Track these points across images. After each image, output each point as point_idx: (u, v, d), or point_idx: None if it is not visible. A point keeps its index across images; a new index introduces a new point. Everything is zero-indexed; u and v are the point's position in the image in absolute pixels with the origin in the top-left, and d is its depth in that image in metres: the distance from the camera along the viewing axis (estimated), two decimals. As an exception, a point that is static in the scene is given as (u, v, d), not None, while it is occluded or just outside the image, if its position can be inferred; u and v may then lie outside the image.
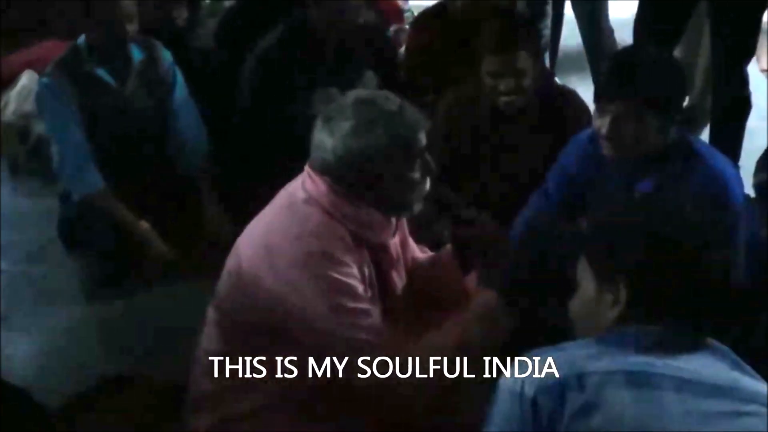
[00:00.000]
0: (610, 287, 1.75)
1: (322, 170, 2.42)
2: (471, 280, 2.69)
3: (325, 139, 2.39)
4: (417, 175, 2.44)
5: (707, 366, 1.70)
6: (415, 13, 5.25)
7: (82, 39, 3.73)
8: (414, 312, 2.67)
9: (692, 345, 1.73)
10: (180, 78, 3.93)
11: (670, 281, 1.72)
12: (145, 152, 3.86)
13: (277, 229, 2.43)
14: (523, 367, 1.70)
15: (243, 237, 2.52)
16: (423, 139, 2.44)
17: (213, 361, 2.52)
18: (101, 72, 3.72)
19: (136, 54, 3.80)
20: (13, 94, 4.78)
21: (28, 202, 4.46)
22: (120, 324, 3.57)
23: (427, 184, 2.49)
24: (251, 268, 2.43)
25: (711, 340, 1.75)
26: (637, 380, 1.64)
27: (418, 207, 2.51)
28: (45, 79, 3.73)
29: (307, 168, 2.47)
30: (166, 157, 3.94)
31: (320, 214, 2.40)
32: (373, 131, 2.36)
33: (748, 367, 1.74)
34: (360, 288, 2.39)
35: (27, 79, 4.81)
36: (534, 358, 1.70)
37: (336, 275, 2.34)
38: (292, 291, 2.35)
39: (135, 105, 3.80)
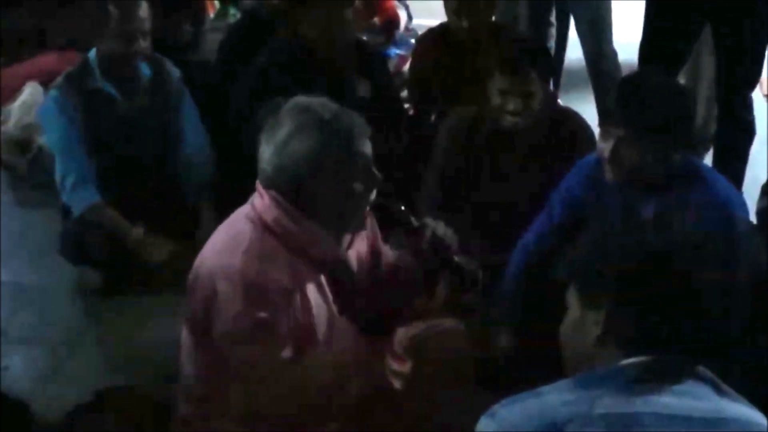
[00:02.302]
0: (593, 309, 1.72)
1: (266, 183, 2.39)
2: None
3: (264, 150, 2.37)
4: (358, 186, 2.38)
5: (692, 397, 1.64)
6: (419, 32, 5.24)
7: (92, 53, 3.73)
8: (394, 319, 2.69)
9: (675, 374, 1.67)
10: (188, 96, 3.93)
11: (652, 306, 1.67)
12: (150, 169, 3.85)
13: (215, 243, 2.45)
14: (497, 418, 1.65)
15: (199, 254, 2.51)
16: (363, 147, 2.38)
17: (187, 383, 2.53)
18: (109, 88, 3.72)
19: (145, 71, 3.80)
20: (16, 105, 4.78)
21: (28, 214, 4.44)
22: (119, 336, 3.55)
23: (371, 197, 2.44)
24: (195, 282, 2.44)
25: (692, 366, 1.70)
26: (618, 424, 1.58)
27: (358, 222, 2.47)
28: (53, 92, 3.73)
29: (257, 183, 2.43)
30: (170, 175, 3.93)
31: (257, 231, 2.37)
32: (305, 138, 2.31)
33: (731, 391, 1.70)
34: (268, 318, 2.32)
35: (29, 91, 4.80)
36: (509, 407, 1.65)
37: (252, 296, 2.30)
38: (215, 303, 2.35)
39: (142, 121, 3.80)
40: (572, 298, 1.78)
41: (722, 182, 2.90)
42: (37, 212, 4.36)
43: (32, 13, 5.32)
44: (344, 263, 2.51)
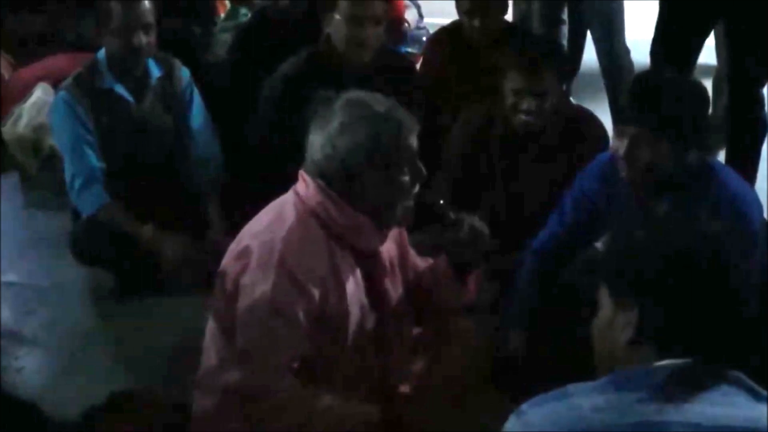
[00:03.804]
0: (625, 310, 1.68)
1: (312, 171, 2.42)
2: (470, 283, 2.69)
3: (315, 139, 2.41)
4: (405, 179, 2.42)
5: (728, 405, 1.58)
6: (431, 31, 5.23)
7: (101, 53, 3.72)
8: (413, 320, 2.69)
9: (710, 379, 1.60)
10: (198, 97, 3.92)
11: (683, 303, 1.63)
12: (159, 169, 3.84)
13: (256, 228, 2.46)
14: (522, 419, 1.61)
15: (235, 240, 2.53)
16: (412, 141, 2.42)
17: (211, 374, 2.52)
18: (119, 88, 3.72)
19: (155, 71, 3.80)
20: (27, 106, 4.78)
21: (39, 215, 4.44)
22: (131, 338, 3.54)
23: (415, 190, 2.46)
24: (230, 267, 2.45)
25: (728, 370, 1.63)
26: None
27: (404, 213, 2.48)
28: (62, 93, 3.72)
29: (301, 171, 2.47)
30: (179, 175, 3.93)
31: (300, 215, 2.40)
32: (358, 130, 2.36)
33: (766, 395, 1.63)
34: (297, 302, 2.34)
35: (40, 93, 4.80)
36: (537, 409, 1.62)
37: (285, 278, 2.32)
38: (245, 276, 2.37)
39: (151, 122, 3.79)
40: (603, 297, 1.74)
41: (736, 179, 2.89)
42: (49, 214, 4.36)
43: (44, 14, 5.34)
44: (378, 257, 2.55)
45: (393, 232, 2.59)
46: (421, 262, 2.79)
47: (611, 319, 1.71)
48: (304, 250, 2.37)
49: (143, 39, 3.64)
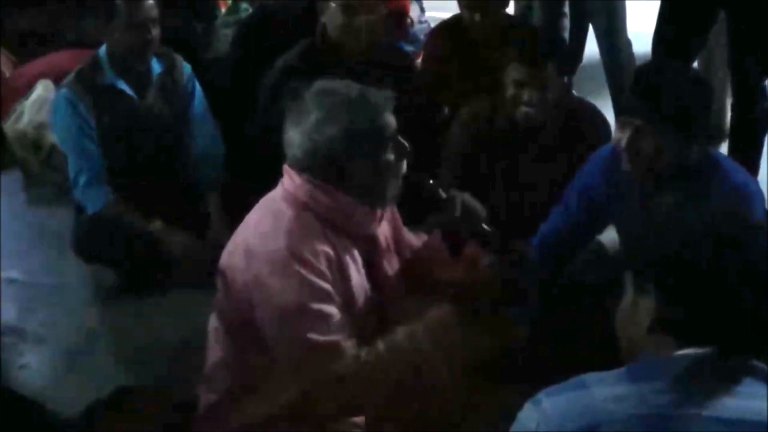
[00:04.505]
0: (646, 296, 1.64)
1: (297, 167, 2.41)
2: (464, 258, 2.68)
3: (293, 136, 2.39)
4: (391, 157, 2.41)
5: (747, 396, 1.53)
6: (432, 25, 5.22)
7: (102, 50, 3.72)
8: (409, 297, 2.66)
9: (730, 369, 1.56)
10: (199, 91, 3.93)
11: (703, 291, 1.58)
12: (161, 164, 3.85)
13: (253, 226, 2.45)
14: (540, 408, 1.58)
15: (232, 237, 2.52)
16: (389, 119, 2.41)
17: (216, 371, 2.52)
18: (121, 84, 3.72)
19: (156, 66, 3.80)
20: (28, 103, 4.78)
21: (41, 212, 4.45)
22: (135, 334, 3.55)
23: (403, 167, 2.46)
24: (231, 267, 2.45)
25: (749, 361, 1.59)
26: (667, 425, 1.51)
27: (394, 191, 2.48)
28: (64, 90, 3.72)
29: (285, 167, 2.46)
30: (181, 170, 3.93)
31: (294, 209, 2.39)
32: (336, 121, 2.35)
33: None
34: (328, 289, 2.35)
35: (42, 89, 4.80)
36: (555, 398, 1.59)
37: (304, 274, 2.32)
38: (261, 287, 2.35)
39: (154, 117, 3.80)
40: (627, 283, 1.70)
41: (739, 172, 2.87)
42: (51, 211, 4.37)
43: (45, 12, 5.34)
44: (375, 239, 2.54)
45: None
46: (415, 239, 2.78)
47: (633, 306, 1.68)
48: (309, 240, 2.36)
49: (151, 32, 3.65)
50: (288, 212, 2.39)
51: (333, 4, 3.64)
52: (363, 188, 2.42)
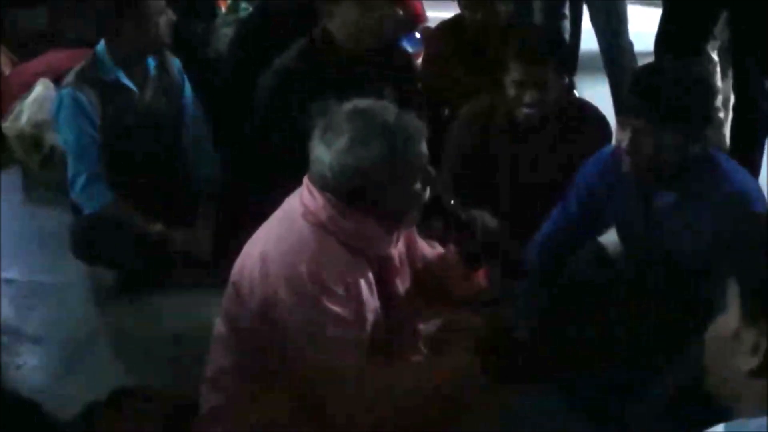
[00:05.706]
0: (755, 327, 1.36)
1: (321, 185, 2.36)
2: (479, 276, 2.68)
3: (321, 155, 2.33)
4: (418, 186, 2.38)
5: None
6: (432, 25, 5.21)
7: (101, 47, 3.70)
8: (420, 310, 2.68)
9: None
10: (188, 86, 3.92)
11: None
12: (160, 162, 3.84)
13: (273, 240, 2.42)
14: None
15: (247, 246, 2.51)
16: (423, 149, 2.37)
17: (221, 375, 2.52)
18: (124, 78, 3.71)
19: (150, 60, 3.79)
20: (27, 103, 4.76)
21: (40, 212, 4.44)
22: (133, 335, 3.54)
23: (427, 194, 2.43)
24: (248, 277, 2.43)
25: None
26: None
27: (417, 218, 2.48)
28: (67, 90, 3.68)
29: (306, 180, 2.42)
30: (177, 167, 3.92)
31: (315, 230, 2.36)
32: (370, 145, 2.29)
33: None
34: (343, 315, 2.34)
35: (41, 89, 4.79)
36: None
37: (321, 300, 2.31)
38: (278, 304, 2.34)
39: (155, 110, 3.79)
40: (731, 299, 1.41)
41: (740, 172, 2.87)
42: (50, 210, 4.35)
43: (43, 11, 5.34)
44: (390, 259, 2.52)
45: None
46: (429, 250, 2.77)
47: (734, 334, 1.41)
48: (331, 275, 2.33)
49: (163, 27, 3.66)
50: (310, 235, 2.36)
51: (344, 1, 3.58)
52: (384, 213, 2.39)
